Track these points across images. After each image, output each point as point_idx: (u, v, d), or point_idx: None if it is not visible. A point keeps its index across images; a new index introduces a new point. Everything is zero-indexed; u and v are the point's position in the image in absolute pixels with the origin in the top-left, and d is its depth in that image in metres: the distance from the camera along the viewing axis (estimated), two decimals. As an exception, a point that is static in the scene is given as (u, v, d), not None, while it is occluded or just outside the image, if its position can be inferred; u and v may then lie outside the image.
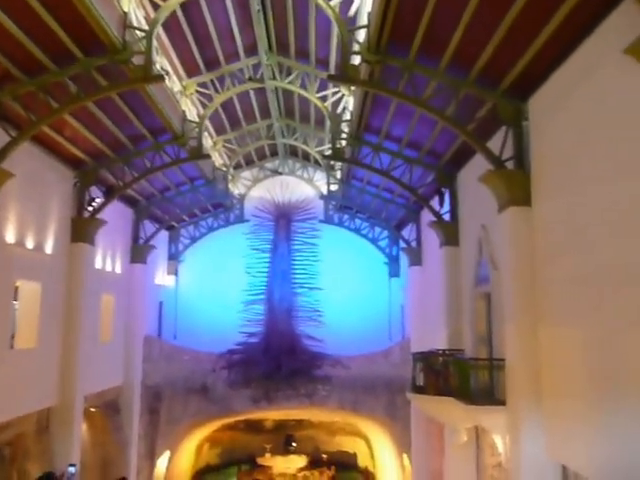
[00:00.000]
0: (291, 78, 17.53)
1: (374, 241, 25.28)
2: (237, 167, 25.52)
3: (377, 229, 24.88)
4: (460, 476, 13.91)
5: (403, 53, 10.76)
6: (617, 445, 7.50)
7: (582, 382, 8.50)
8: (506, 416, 10.41)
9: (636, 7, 6.07)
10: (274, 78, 17.59)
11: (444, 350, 14.12)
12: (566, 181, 9.09)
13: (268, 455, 24.90)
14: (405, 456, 20.30)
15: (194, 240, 25.73)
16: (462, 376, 11.58)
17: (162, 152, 16.32)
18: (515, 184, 10.46)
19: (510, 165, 10.73)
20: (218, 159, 22.39)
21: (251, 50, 16.47)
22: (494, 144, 11.17)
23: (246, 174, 26.58)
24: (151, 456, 20.58)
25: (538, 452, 9.60)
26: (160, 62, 13.75)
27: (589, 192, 8.33)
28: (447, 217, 15.58)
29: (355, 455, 26.86)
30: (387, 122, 14.26)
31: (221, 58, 16.31)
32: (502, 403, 10.57)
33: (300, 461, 24.82)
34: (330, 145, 18.43)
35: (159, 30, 12.68)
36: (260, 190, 25.84)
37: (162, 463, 21.19)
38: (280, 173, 26.37)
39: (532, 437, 9.70)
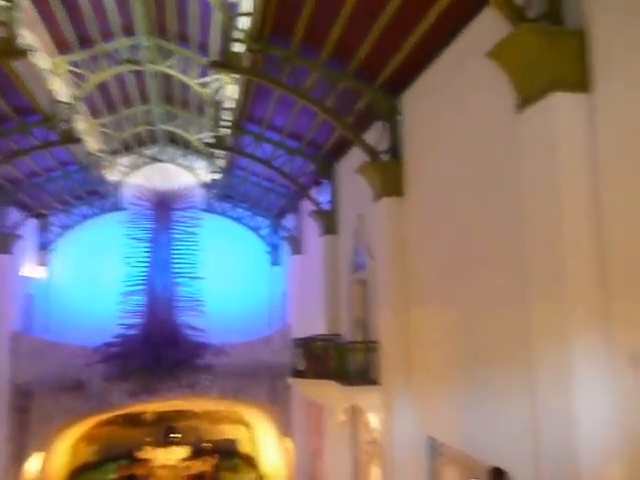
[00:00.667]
0: (171, 62, 17.13)
1: (256, 230, 25.45)
2: (114, 153, 24.48)
3: (259, 218, 25.05)
4: (338, 453, 14.52)
5: (285, 43, 10.95)
6: (473, 415, 8.26)
7: (445, 361, 9.24)
8: (380, 395, 11.04)
9: (497, 13, 6.61)
10: (153, 61, 17.10)
11: (323, 335, 14.60)
12: (434, 172, 9.75)
13: (148, 448, 24.35)
14: (287, 439, 20.73)
15: (66, 229, 24.47)
16: (340, 359, 12.08)
17: (30, 134, 15.36)
18: (389, 175, 11.05)
19: (385, 157, 11.31)
20: (93, 144, 21.38)
21: (129, 30, 15.85)
22: (371, 137, 11.70)
23: (123, 160, 25.55)
24: (19, 459, 19.42)
25: (408, 426, 10.31)
26: (27, 36, 12.91)
27: (453, 183, 9.02)
28: (326, 207, 16.06)
29: (236, 442, 27.01)
30: (269, 112, 14.42)
31: (97, 36, 15.57)
32: (377, 383, 11.21)
33: (182, 452, 24.51)
34: (212, 133, 18.27)
35: (25, 0, 11.94)
36: (138, 177, 25.00)
37: (34, 465, 20.06)
38: (160, 160, 25.63)
39: (403, 413, 10.39)
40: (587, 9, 6.00)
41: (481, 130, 8.13)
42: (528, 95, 6.31)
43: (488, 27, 7.38)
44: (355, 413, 14.05)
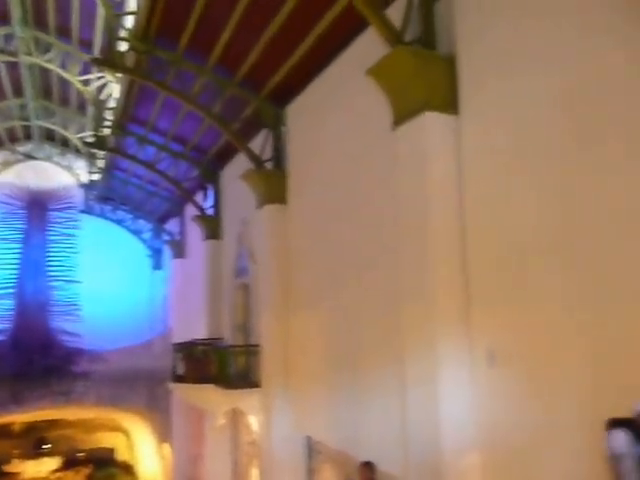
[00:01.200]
0: (50, 56, 16.40)
1: (137, 233, 24.80)
2: (-18, 148, 22.94)
3: (141, 221, 24.44)
4: (218, 456, 14.59)
5: (172, 46, 10.92)
6: (348, 415, 8.70)
7: (323, 364, 9.64)
8: (260, 397, 11.29)
9: (377, 34, 7.08)
10: (30, 54, 16.29)
11: (204, 339, 14.62)
12: (316, 182, 10.17)
13: (16, 461, 22.98)
14: (166, 445, 20.40)
15: None
16: (221, 363, 12.19)
17: None
18: (273, 183, 11.36)
19: (269, 165, 11.61)
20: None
21: (4, 19, 15.06)
22: (256, 145, 11.94)
23: (-6, 156, 23.99)
24: None
25: (287, 427, 10.64)
26: None
27: (334, 193, 9.48)
28: (210, 212, 16.10)
29: (113, 450, 26.12)
30: (154, 114, 14.25)
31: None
32: (257, 386, 11.43)
33: (53, 463, 23.41)
34: (92, 132, 17.67)
35: None
36: (11, 175, 23.55)
37: None
38: (34, 158, 24.28)
39: (282, 414, 10.71)
40: (457, 36, 6.55)
41: (361, 143, 8.56)
42: (403, 113, 6.72)
43: (370, 46, 7.67)
44: (236, 416, 14.19)
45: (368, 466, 7.48)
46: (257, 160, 11.62)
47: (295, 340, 10.76)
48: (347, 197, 9.01)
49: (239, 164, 13.12)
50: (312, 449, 10.49)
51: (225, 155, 14.85)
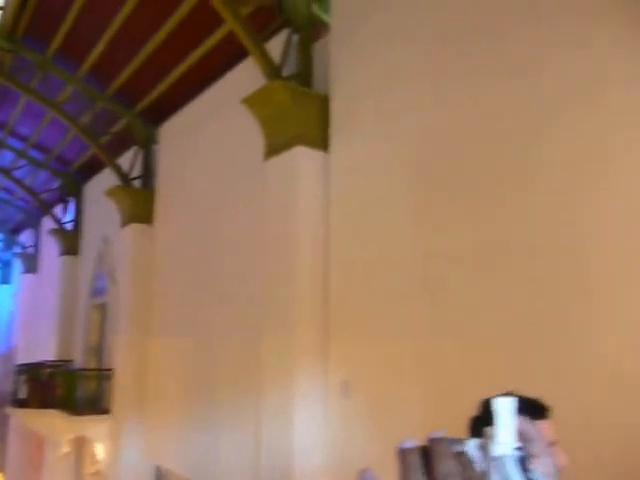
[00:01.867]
0: None
1: (-16, 243, 22.79)
2: None
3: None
4: (58, 489, 13.57)
5: (40, 49, 10.38)
6: (202, 444, 8.54)
7: (180, 391, 9.40)
8: (110, 424, 10.73)
9: (256, 65, 7.22)
10: None
11: (52, 361, 13.69)
12: (185, 205, 10.04)
13: None
14: (0, 475, 18.66)
15: None
16: (69, 387, 11.46)
17: None
18: (139, 202, 11.03)
19: (137, 184, 11.28)
20: None
21: None
22: (125, 161, 11.57)
23: None
24: None
25: (136, 456, 10.19)
26: None
27: (201, 218, 9.40)
28: (70, 226, 15.24)
29: None
30: (14, 117, 13.34)
31: None
32: (107, 412, 10.88)
33: None
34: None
35: None
36: None
37: None
38: None
39: (132, 442, 10.25)
40: (331, 76, 6.87)
41: (232, 171, 8.60)
42: (275, 145, 6.91)
43: (248, 76, 7.81)
44: (80, 444, 13.32)
45: None
46: (124, 177, 11.25)
47: (152, 366, 10.40)
48: (214, 223, 8.97)
49: (105, 179, 12.60)
50: (162, 478, 10.14)
51: (90, 169, 14.18)
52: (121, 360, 10.81)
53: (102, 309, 13.02)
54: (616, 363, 3.78)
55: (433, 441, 0.56)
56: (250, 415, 7.09)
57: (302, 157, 6.64)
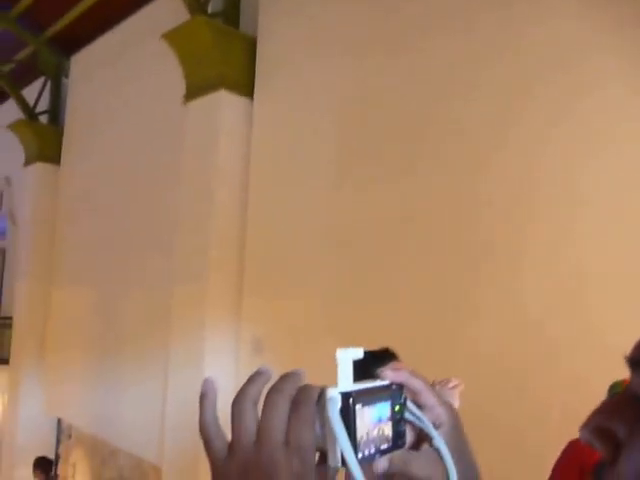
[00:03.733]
0: None
1: None
2: None
3: None
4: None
5: None
6: (105, 398, 8.24)
7: (84, 343, 8.94)
8: (8, 374, 10.17)
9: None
10: None
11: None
12: (96, 145, 9.34)
13: None
14: None
15: None
16: (-37, 335, 10.72)
17: None
18: (46, 139, 10.20)
19: (44, 119, 10.40)
20: None
21: None
22: (30, 93, 10.59)
23: None
24: None
25: (36, 408, 9.70)
26: None
27: (113, 160, 8.76)
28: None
29: None
30: None
31: None
32: (5, 362, 10.27)
33: None
34: None
35: None
36: None
37: None
38: None
39: (32, 394, 9.74)
40: (261, 18, 6.45)
41: (149, 111, 8.06)
42: (196, 87, 6.52)
43: (171, 9, 7.26)
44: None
45: (41, 465, 6.86)
46: (30, 111, 10.32)
47: (55, 315, 9.82)
48: (127, 167, 8.40)
49: (7, 112, 11.53)
50: (62, 432, 9.73)
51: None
52: (21, 308, 10.15)
53: (1, 253, 12.14)
54: (538, 324, 3.77)
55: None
56: (157, 369, 6.87)
57: (224, 102, 6.30)
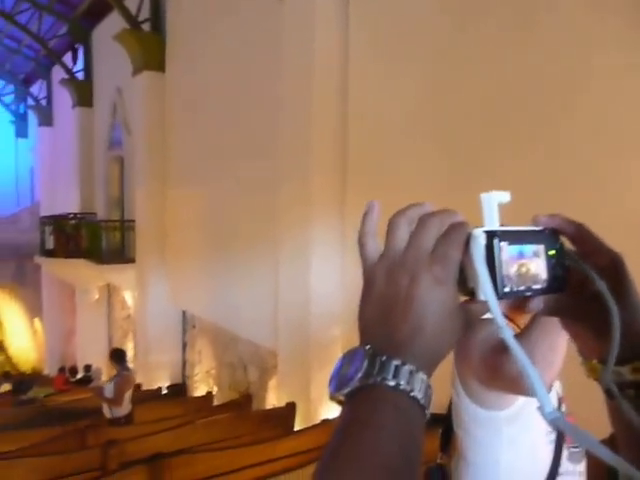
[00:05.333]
0: None
1: (-4, 96, 22.36)
2: None
3: (0, 82, 21.90)
4: (92, 331, 14.42)
5: None
6: (223, 289, 8.81)
7: (200, 239, 9.55)
8: (135, 272, 11.09)
9: None
10: None
11: (75, 213, 13.91)
12: (198, 51, 9.46)
13: None
14: (36, 320, 19.87)
15: None
16: (93, 238, 11.74)
17: None
18: (150, 47, 10.47)
19: (146, 27, 10.64)
20: None
21: None
22: (131, 3, 10.82)
23: None
24: None
25: (162, 301, 10.60)
26: None
27: (216, 65, 8.90)
28: (81, 76, 14.73)
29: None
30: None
31: None
32: (132, 261, 11.19)
33: None
34: None
35: None
36: None
37: None
38: None
39: (157, 289, 10.63)
40: None
41: (248, 13, 8.01)
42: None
43: None
44: (110, 291, 13.96)
45: (116, 355, 7.27)
46: (132, 19, 10.57)
47: (171, 215, 10.49)
48: (229, 70, 8.49)
49: (113, 24, 11.88)
50: (187, 323, 10.64)
51: (97, 12, 13.31)
52: (141, 210, 10.92)
53: (120, 161, 12.94)
54: None
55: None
56: (269, 262, 7.21)
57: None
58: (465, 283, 0.56)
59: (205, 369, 9.99)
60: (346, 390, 0.56)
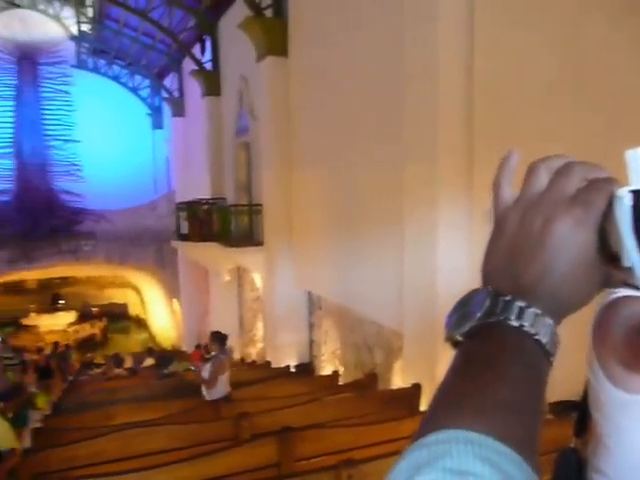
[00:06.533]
0: None
1: (135, 90, 23.92)
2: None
3: (137, 77, 23.44)
4: (225, 311, 15.13)
5: None
6: (348, 270, 8.81)
7: (325, 221, 9.60)
8: (263, 255, 11.43)
9: None
10: None
11: (207, 199, 14.58)
12: (320, 34, 9.45)
13: (33, 315, 24.11)
14: (175, 300, 21.23)
15: None
16: (224, 222, 12.24)
17: None
18: (273, 33, 10.62)
19: (269, 13, 10.80)
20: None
21: None
22: (254, -10, 11.03)
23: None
24: None
25: (289, 283, 10.86)
26: None
27: (338, 46, 8.84)
28: (209, 66, 15.34)
29: (126, 305, 27.33)
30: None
31: None
32: (260, 244, 11.53)
33: (69, 317, 24.56)
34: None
35: None
36: (-5, 26, 22.15)
37: None
38: (17, 5, 22.45)
39: (284, 271, 10.89)
40: None
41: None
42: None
43: None
44: (240, 273, 14.53)
45: (216, 338, 7.18)
46: (255, 7, 10.78)
47: (297, 198, 10.66)
48: (352, 53, 8.39)
49: (237, 12, 12.21)
50: (313, 304, 10.80)
51: (223, 2, 13.80)
52: (268, 195, 11.20)
53: (247, 147, 13.34)
54: None
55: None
56: (394, 243, 7.09)
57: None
58: (605, 248, 0.52)
59: (331, 350, 10.11)
60: (465, 328, 0.53)
